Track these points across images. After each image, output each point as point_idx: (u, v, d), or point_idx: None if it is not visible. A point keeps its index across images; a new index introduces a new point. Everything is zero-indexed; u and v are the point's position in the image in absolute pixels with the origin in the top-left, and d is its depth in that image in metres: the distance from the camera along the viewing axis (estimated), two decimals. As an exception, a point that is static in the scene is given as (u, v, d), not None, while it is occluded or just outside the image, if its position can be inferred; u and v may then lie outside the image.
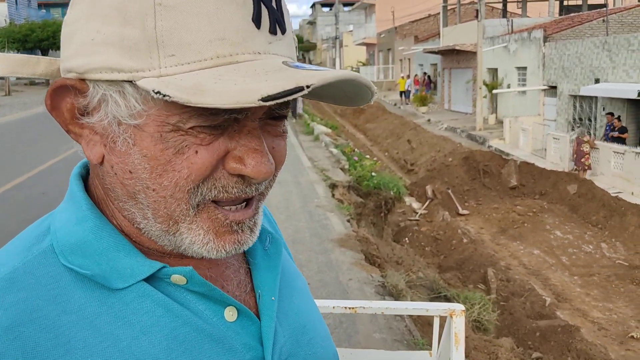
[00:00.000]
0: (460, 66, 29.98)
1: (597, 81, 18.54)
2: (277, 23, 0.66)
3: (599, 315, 9.35)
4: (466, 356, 1.95)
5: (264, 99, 0.57)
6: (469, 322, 6.73)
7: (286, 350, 0.79)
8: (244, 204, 0.71)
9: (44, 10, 62.05)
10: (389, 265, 7.95)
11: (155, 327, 0.69)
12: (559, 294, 10.09)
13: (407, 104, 34.86)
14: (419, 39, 39.99)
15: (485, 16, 27.59)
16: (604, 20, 21.66)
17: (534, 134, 19.78)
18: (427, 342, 5.22)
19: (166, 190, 0.66)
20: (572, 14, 28.30)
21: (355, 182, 12.84)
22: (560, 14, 32.05)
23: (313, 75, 0.60)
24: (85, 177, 0.77)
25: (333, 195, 11.05)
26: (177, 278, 0.71)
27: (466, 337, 1.95)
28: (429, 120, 27.77)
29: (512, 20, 28.17)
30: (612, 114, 17.09)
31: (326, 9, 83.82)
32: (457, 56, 29.92)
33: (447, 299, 7.10)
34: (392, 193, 12.77)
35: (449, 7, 35.08)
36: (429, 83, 35.65)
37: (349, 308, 2.09)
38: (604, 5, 24.42)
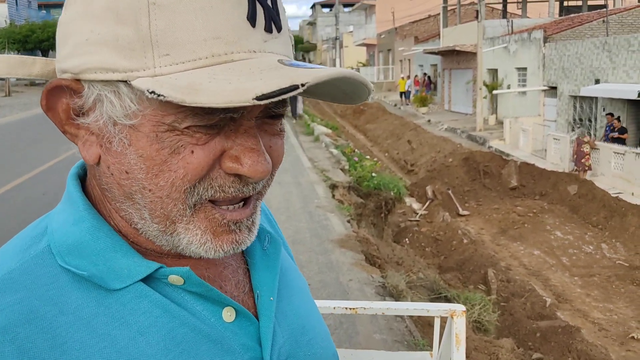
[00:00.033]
0: (460, 67, 29.99)
1: (597, 82, 18.54)
2: (273, 21, 0.66)
3: (600, 315, 9.34)
4: (467, 357, 1.95)
5: (258, 98, 0.57)
6: (469, 322, 6.73)
7: (285, 350, 0.78)
8: (241, 203, 0.70)
9: (44, 11, 62.08)
10: (389, 266, 7.95)
11: (153, 328, 0.69)
12: (559, 294, 10.09)
13: (407, 104, 34.86)
14: (419, 40, 40.00)
15: (485, 17, 27.60)
16: (604, 21, 21.67)
17: (534, 135, 19.77)
18: (428, 343, 5.21)
19: (162, 191, 0.65)
20: (572, 15, 28.32)
21: (356, 182, 12.84)
22: (560, 15, 32.06)
23: (308, 74, 0.59)
24: (82, 177, 0.77)
25: (333, 196, 11.05)
26: (175, 278, 0.71)
27: (466, 337, 1.94)
28: (429, 120, 27.77)
29: (512, 20, 28.17)
30: (612, 115, 17.09)
31: (326, 10, 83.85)
32: (457, 57, 29.93)
33: (448, 300, 7.10)
34: (392, 194, 12.76)
35: (449, 8, 35.08)
36: (429, 84, 35.66)
37: (350, 309, 2.09)
38: (604, 6, 24.44)
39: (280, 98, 0.58)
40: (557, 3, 33.76)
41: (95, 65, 0.64)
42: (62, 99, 0.68)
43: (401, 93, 36.36)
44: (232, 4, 0.62)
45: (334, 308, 2.08)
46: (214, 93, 0.58)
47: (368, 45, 55.80)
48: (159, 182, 0.65)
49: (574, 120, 20.00)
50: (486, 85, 25.15)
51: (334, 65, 55.52)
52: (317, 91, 0.70)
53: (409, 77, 38.20)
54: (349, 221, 9.47)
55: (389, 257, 8.79)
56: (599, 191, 14.07)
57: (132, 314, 0.69)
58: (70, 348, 0.66)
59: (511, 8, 36.19)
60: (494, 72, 26.53)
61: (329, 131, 20.86)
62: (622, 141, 16.21)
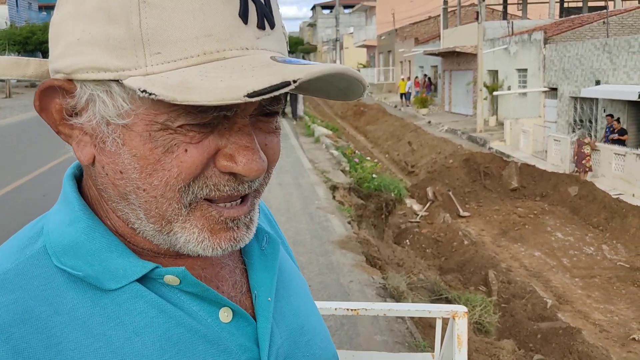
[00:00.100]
0: (460, 68, 29.99)
1: (597, 83, 18.54)
2: (266, 18, 0.65)
3: (601, 317, 9.33)
4: (468, 358, 1.95)
5: (249, 95, 0.56)
6: (470, 324, 6.72)
7: (283, 351, 0.78)
8: (239, 200, 0.70)
9: (45, 13, 62.14)
10: (389, 267, 7.95)
11: (149, 328, 0.69)
12: (560, 295, 10.08)
13: (408, 105, 34.87)
14: (419, 41, 40.02)
15: (486, 18, 27.62)
16: (604, 22, 21.68)
17: (534, 136, 19.77)
18: (429, 344, 5.21)
19: (157, 190, 0.65)
20: (572, 16, 28.32)
21: (356, 184, 12.83)
22: (560, 16, 32.07)
23: (301, 70, 0.59)
24: (79, 178, 0.77)
25: (334, 197, 11.04)
26: (170, 278, 0.70)
27: (468, 339, 1.94)
28: (429, 122, 27.77)
29: (512, 22, 28.18)
30: (611, 116, 17.09)
31: (326, 11, 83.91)
32: (457, 58, 29.94)
33: (448, 301, 7.09)
34: (392, 195, 12.76)
35: (449, 9, 35.11)
36: (430, 85, 35.67)
37: (351, 310, 2.08)
38: (605, 7, 24.46)
39: (272, 95, 0.57)
40: (558, 4, 33.77)
41: (87, 64, 0.64)
42: (55, 99, 0.68)
43: (401, 94, 36.37)
44: (223, 1, 0.62)
45: (335, 309, 2.08)
46: (206, 91, 0.57)
47: (368, 47, 55.84)
48: (153, 181, 0.65)
49: (575, 121, 20.00)
50: (486, 87, 25.15)
51: (335, 66, 55.44)
52: (311, 88, 0.70)
53: (409, 78, 38.22)
54: (349, 222, 9.47)
55: (389, 258, 8.78)
56: (600, 192, 14.06)
57: (127, 314, 0.68)
58: (66, 348, 0.65)
59: (511, 9, 36.21)
60: (494, 73, 26.54)
61: (330, 132, 20.86)
62: (622, 143, 16.20)
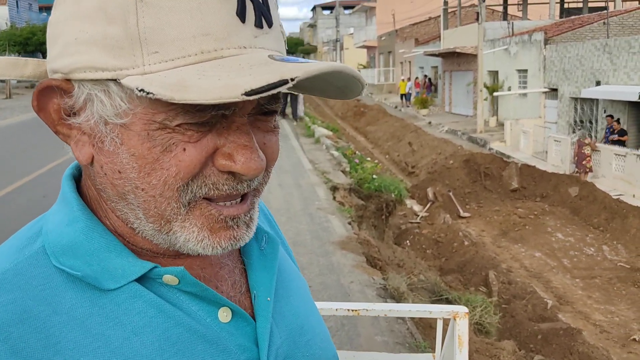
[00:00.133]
0: (460, 69, 30.00)
1: (598, 84, 18.53)
2: (263, 16, 0.65)
3: (601, 317, 9.33)
4: (468, 359, 1.94)
5: (247, 93, 0.56)
6: (470, 324, 6.72)
7: (283, 351, 0.78)
8: (238, 199, 0.70)
9: (45, 14, 62.16)
10: (390, 268, 7.94)
11: (147, 328, 0.69)
12: (560, 296, 10.08)
13: (408, 106, 34.88)
14: (419, 42, 40.03)
15: (486, 19, 27.63)
16: (604, 23, 21.67)
17: (534, 137, 19.77)
18: (429, 345, 5.21)
19: (155, 189, 0.65)
20: (572, 17, 28.32)
21: (356, 184, 12.83)
22: (560, 17, 32.06)
23: (299, 68, 0.59)
24: (77, 178, 0.77)
25: (334, 198, 11.04)
26: (169, 278, 0.70)
27: (468, 339, 1.94)
28: (429, 122, 27.77)
29: (512, 22, 28.18)
30: (611, 117, 17.09)
31: (327, 12, 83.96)
32: (457, 59, 29.94)
33: (449, 302, 7.08)
34: (393, 195, 12.76)
35: (449, 10, 35.12)
36: (430, 86, 35.67)
37: (352, 310, 2.08)
38: (605, 8, 24.46)
39: (270, 93, 0.57)
40: (558, 5, 33.77)
41: (84, 64, 0.64)
42: (53, 99, 0.68)
43: (402, 95, 36.38)
44: (220, 0, 0.62)
45: (336, 310, 2.07)
46: (203, 90, 0.57)
47: (368, 47, 55.85)
48: (152, 180, 0.65)
49: (575, 122, 19.99)
50: (487, 87, 25.15)
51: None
52: (309, 86, 0.70)
53: (409, 79, 38.22)
54: (349, 223, 9.47)
55: (389, 259, 8.78)
56: (600, 193, 14.05)
57: (126, 314, 0.68)
58: (64, 348, 0.65)
59: (512, 10, 36.21)
60: (494, 74, 26.54)
61: (330, 133, 20.85)
62: (622, 143, 16.20)
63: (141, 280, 0.70)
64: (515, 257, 12.04)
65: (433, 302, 7.02)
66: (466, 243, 11.89)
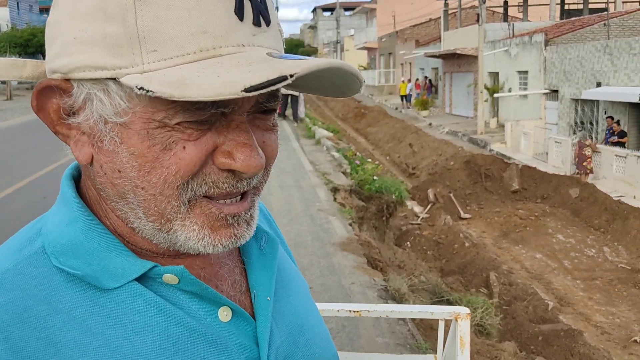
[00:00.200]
0: (461, 70, 30.01)
1: (598, 85, 18.53)
2: (261, 14, 0.66)
3: (602, 319, 9.32)
4: (470, 360, 1.94)
5: (247, 90, 0.57)
6: (471, 326, 6.71)
7: (283, 350, 0.78)
8: (238, 197, 0.70)
9: (46, 15, 62.11)
10: (391, 269, 7.94)
11: (148, 327, 0.69)
12: (561, 297, 10.07)
13: (409, 107, 34.88)
14: (420, 43, 40.04)
15: (486, 20, 27.63)
16: (605, 24, 21.67)
17: (535, 138, 19.77)
18: (430, 346, 5.20)
19: (155, 188, 0.65)
20: (573, 18, 28.31)
21: (357, 185, 12.83)
22: (561, 18, 32.07)
23: (297, 65, 0.59)
24: (77, 179, 0.77)
25: (335, 199, 11.04)
26: (169, 277, 0.70)
27: (469, 340, 1.93)
28: (430, 124, 27.77)
29: (513, 24, 28.19)
30: (611, 118, 17.08)
31: (327, 14, 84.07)
32: (458, 60, 29.95)
33: (450, 303, 7.08)
34: (393, 197, 12.76)
35: (450, 12, 35.13)
36: (430, 87, 35.67)
37: (354, 311, 2.08)
38: (605, 9, 24.46)
39: (269, 89, 0.58)
40: (558, 6, 33.78)
41: (83, 63, 0.64)
42: (52, 99, 0.68)
43: (402, 96, 36.37)
44: None
45: (338, 311, 2.07)
46: (203, 87, 0.57)
47: (369, 49, 55.88)
48: (151, 179, 0.65)
49: (576, 123, 19.99)
50: (487, 89, 25.16)
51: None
52: (308, 84, 0.70)
53: (410, 80, 38.22)
54: (350, 224, 9.47)
55: (390, 260, 8.77)
56: (601, 194, 14.05)
57: (126, 314, 0.68)
58: (64, 347, 0.65)
59: (512, 11, 36.22)
60: (495, 75, 26.54)
61: (331, 134, 20.85)
62: (622, 145, 16.19)
63: (141, 279, 0.70)
64: (516, 258, 12.04)
65: (434, 303, 7.02)
66: (467, 244, 11.88)
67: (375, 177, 13.46)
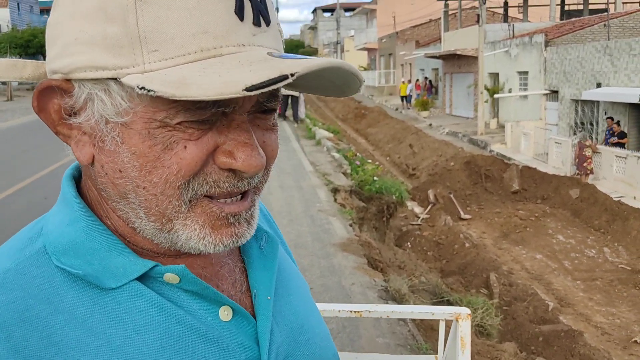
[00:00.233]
0: (461, 71, 30.00)
1: (598, 85, 18.53)
2: (261, 14, 0.66)
3: (602, 319, 9.32)
4: (470, 360, 1.94)
5: (248, 89, 0.57)
6: (472, 326, 6.70)
7: (283, 350, 0.78)
8: (239, 196, 0.70)
9: (46, 16, 62.18)
10: (391, 270, 7.94)
11: (149, 326, 0.69)
12: (561, 298, 10.07)
13: (409, 108, 34.87)
14: (420, 44, 40.03)
15: (487, 21, 27.63)
16: (605, 25, 21.67)
17: (535, 139, 19.76)
18: (431, 347, 5.20)
19: (156, 188, 0.65)
20: (573, 19, 28.31)
21: (357, 186, 12.83)
22: (561, 19, 32.07)
23: (298, 64, 0.59)
24: (78, 179, 0.77)
25: (335, 200, 11.04)
26: (170, 276, 0.71)
27: (470, 341, 1.93)
28: (430, 124, 27.77)
29: (513, 25, 28.17)
30: (611, 119, 17.08)
31: (327, 14, 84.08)
32: (458, 61, 29.94)
33: (450, 304, 7.08)
34: (394, 197, 12.76)
35: (450, 12, 35.14)
36: (430, 88, 35.67)
37: (354, 312, 2.08)
38: (605, 10, 24.45)
39: (270, 88, 0.58)
40: (558, 7, 33.78)
41: (84, 64, 0.64)
42: (53, 99, 0.68)
43: (402, 97, 36.36)
44: None
45: (339, 311, 2.07)
46: (204, 86, 0.58)
47: (369, 50, 55.88)
48: (153, 179, 0.65)
49: (576, 124, 19.98)
50: (487, 89, 25.15)
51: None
52: (308, 84, 0.70)
53: (410, 81, 38.22)
54: (350, 225, 9.47)
55: (391, 261, 8.77)
56: (601, 195, 14.05)
57: (127, 313, 0.69)
58: (66, 347, 0.65)
59: (512, 12, 36.21)
60: (495, 76, 26.54)
61: (331, 135, 20.85)
62: (622, 146, 16.19)
63: (142, 279, 0.70)
64: (516, 259, 12.03)
65: (434, 304, 7.02)
66: (467, 245, 11.88)
67: (375, 178, 13.47)
